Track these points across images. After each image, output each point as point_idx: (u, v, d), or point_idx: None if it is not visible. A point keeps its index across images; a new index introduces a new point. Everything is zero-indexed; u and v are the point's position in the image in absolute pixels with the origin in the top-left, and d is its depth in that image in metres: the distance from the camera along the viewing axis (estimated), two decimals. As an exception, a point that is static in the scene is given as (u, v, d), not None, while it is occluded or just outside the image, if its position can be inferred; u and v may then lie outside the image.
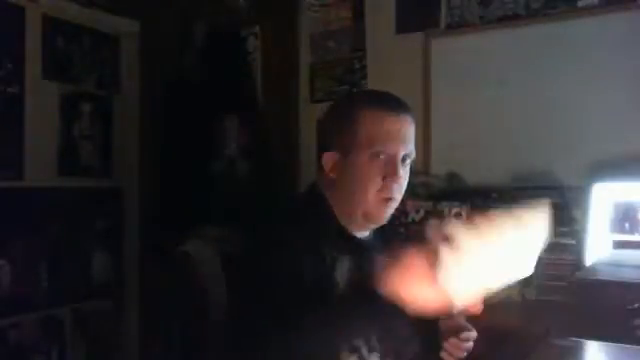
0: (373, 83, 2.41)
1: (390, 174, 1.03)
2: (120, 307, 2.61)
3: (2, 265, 2.14)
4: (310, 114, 2.49)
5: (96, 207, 2.52)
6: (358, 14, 2.48)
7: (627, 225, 1.88)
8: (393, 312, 0.82)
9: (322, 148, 1.10)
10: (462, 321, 1.13)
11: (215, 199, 2.54)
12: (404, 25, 2.37)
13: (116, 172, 2.62)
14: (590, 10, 2.03)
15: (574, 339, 1.43)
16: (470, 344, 1.12)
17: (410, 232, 1.96)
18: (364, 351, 1.03)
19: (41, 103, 2.28)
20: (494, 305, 1.96)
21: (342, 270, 1.04)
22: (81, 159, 2.46)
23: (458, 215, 1.74)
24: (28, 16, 2.23)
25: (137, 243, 2.69)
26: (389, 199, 1.05)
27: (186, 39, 2.73)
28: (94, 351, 2.47)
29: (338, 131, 1.07)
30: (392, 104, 1.06)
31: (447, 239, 0.75)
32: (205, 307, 1.16)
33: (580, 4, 2.05)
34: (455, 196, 2.09)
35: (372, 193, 1.03)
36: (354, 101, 1.13)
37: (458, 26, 2.26)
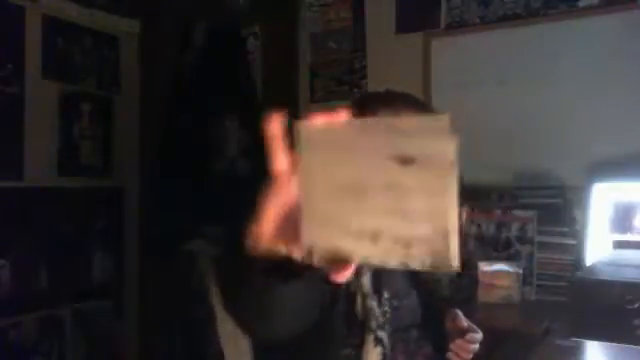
0: (373, 83, 2.41)
1: None
2: (120, 307, 2.61)
3: (2, 265, 2.14)
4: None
5: (96, 207, 2.52)
6: (358, 14, 2.48)
7: (627, 225, 1.88)
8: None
9: None
10: (468, 322, 1.13)
11: (215, 199, 2.54)
12: (404, 25, 2.37)
13: (116, 172, 2.62)
14: (590, 10, 2.03)
15: (574, 339, 1.43)
16: (476, 346, 1.12)
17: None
18: (386, 343, 1.03)
19: (41, 103, 2.28)
20: (494, 305, 1.96)
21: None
22: (81, 159, 2.46)
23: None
24: (28, 16, 2.23)
25: (137, 243, 2.69)
26: None
27: (186, 39, 2.73)
28: (94, 351, 2.46)
29: None
30: (419, 106, 1.05)
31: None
32: (206, 307, 1.16)
33: (580, 4, 2.05)
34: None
35: None
36: (392, 101, 1.08)
37: (458, 26, 2.26)
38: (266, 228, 0.49)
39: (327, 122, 0.43)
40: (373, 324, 1.01)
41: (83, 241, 2.46)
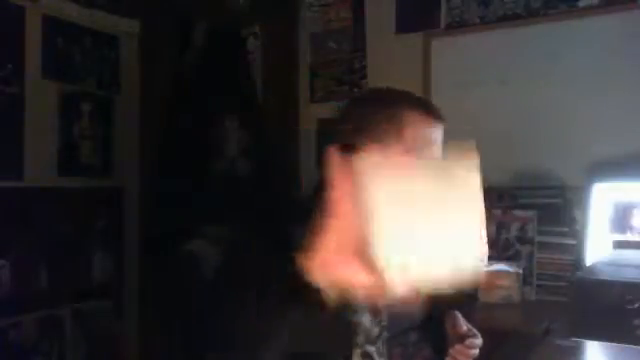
0: (373, 83, 2.41)
1: None
2: (120, 307, 2.61)
3: (2, 265, 2.14)
4: (310, 114, 2.49)
5: (96, 207, 2.52)
6: (358, 14, 2.48)
7: (627, 225, 1.88)
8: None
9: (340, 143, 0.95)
10: (468, 326, 1.13)
11: (215, 199, 2.54)
12: (404, 25, 2.37)
13: (116, 172, 2.62)
14: (590, 10, 2.03)
15: (574, 339, 1.43)
16: (476, 351, 1.12)
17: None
18: (375, 356, 1.03)
19: (41, 103, 2.28)
20: (494, 305, 1.96)
21: None
22: (81, 159, 2.46)
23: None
24: (28, 16, 2.23)
25: (137, 243, 2.69)
26: None
27: (186, 39, 2.72)
28: (94, 351, 2.46)
29: (372, 127, 0.99)
30: (434, 112, 1.02)
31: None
32: (207, 305, 1.16)
33: (580, 4, 2.05)
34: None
35: None
36: (396, 100, 1.05)
37: (458, 26, 2.26)
38: (326, 256, 0.53)
39: (384, 157, 0.51)
40: (360, 339, 1.00)
41: (83, 241, 2.46)
